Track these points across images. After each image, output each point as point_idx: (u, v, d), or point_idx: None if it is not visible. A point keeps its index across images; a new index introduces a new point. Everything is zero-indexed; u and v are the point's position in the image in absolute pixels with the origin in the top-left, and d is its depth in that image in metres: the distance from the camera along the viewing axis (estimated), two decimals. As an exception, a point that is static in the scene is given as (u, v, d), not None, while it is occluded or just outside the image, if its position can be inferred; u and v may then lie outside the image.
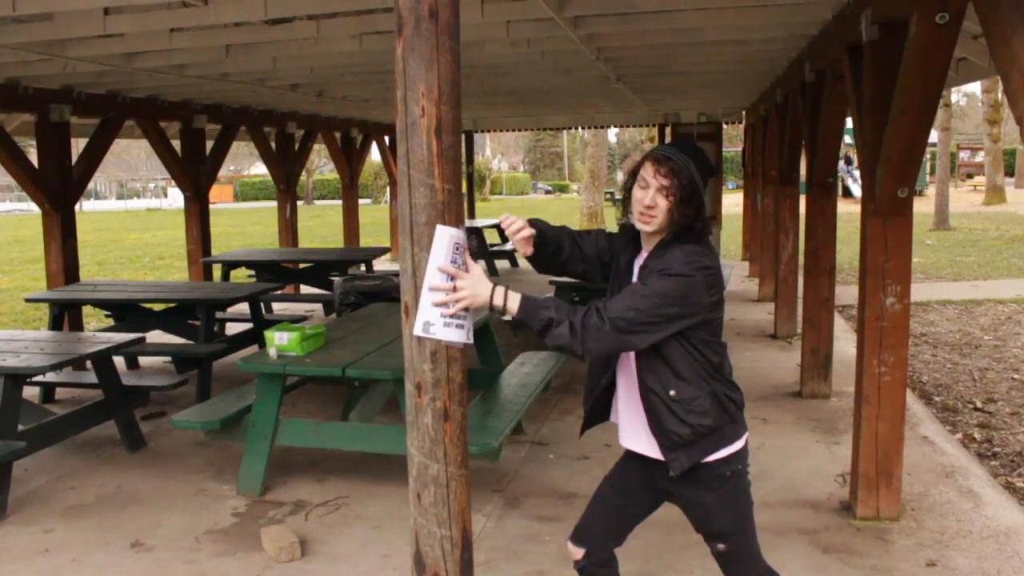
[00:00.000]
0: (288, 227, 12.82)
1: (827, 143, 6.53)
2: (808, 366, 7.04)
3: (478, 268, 2.42)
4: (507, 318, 2.58)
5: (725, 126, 15.77)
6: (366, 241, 19.53)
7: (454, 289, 2.34)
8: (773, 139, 9.92)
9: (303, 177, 43.40)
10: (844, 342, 8.60)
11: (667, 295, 2.43)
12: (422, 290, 2.37)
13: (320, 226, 28.40)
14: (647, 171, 2.54)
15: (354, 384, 5.70)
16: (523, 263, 15.74)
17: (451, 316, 2.36)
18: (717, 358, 2.56)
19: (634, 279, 2.61)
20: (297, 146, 13.00)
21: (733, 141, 36.87)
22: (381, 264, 14.24)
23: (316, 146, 17.32)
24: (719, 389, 2.56)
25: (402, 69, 2.35)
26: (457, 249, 2.35)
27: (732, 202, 23.23)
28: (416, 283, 2.42)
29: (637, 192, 2.56)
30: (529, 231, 2.60)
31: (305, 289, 11.97)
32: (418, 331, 2.38)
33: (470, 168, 17.54)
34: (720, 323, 2.59)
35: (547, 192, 52.41)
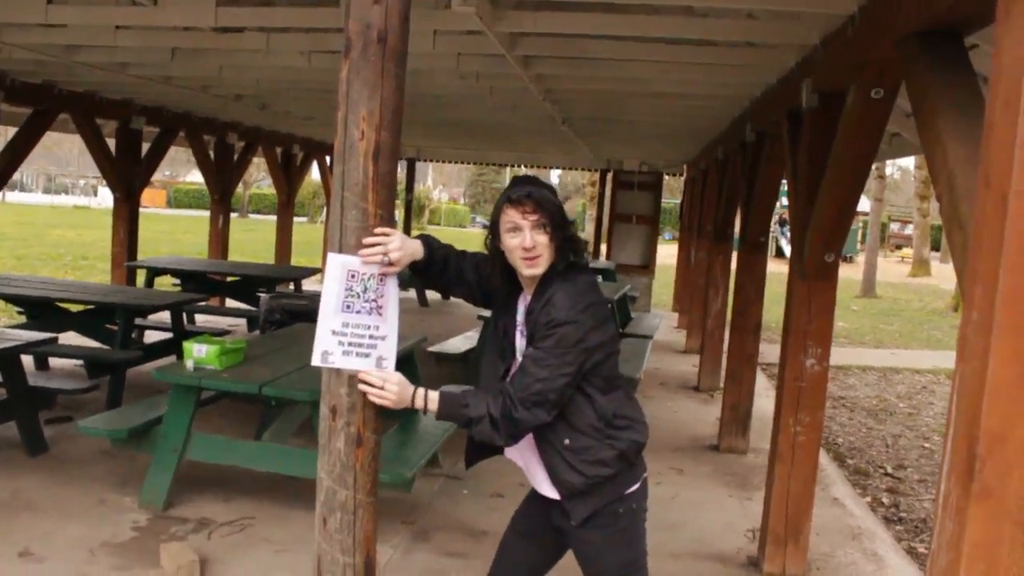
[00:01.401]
0: (219, 238, 12.53)
1: (762, 202, 6.66)
2: (727, 420, 7.11)
3: (398, 376, 2.44)
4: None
5: (666, 177, 16.27)
6: (298, 260, 18.91)
7: (381, 387, 2.43)
8: (711, 194, 10.09)
9: (239, 189, 41.08)
10: (765, 399, 8.70)
11: (562, 349, 2.39)
12: (318, 319, 2.39)
13: (253, 241, 27.55)
14: (511, 215, 2.46)
15: (271, 403, 5.59)
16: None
17: (351, 344, 2.38)
18: (613, 405, 2.54)
19: (519, 321, 2.58)
20: (236, 157, 12.76)
21: (673, 192, 37.50)
22: (311, 284, 13.49)
23: (256, 159, 16.17)
24: (617, 436, 2.53)
25: (346, 91, 2.34)
26: (353, 278, 2.35)
27: (667, 252, 23.23)
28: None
29: (510, 240, 2.47)
30: (396, 254, 2.40)
31: (231, 303, 11.61)
32: (316, 360, 2.38)
33: (409, 195, 17.44)
34: (615, 363, 2.57)
35: (484, 226, 51.44)
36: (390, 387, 2.39)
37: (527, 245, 2.46)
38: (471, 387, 2.53)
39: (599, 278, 11.56)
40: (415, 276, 2.58)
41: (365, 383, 2.39)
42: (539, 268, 2.48)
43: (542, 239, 2.46)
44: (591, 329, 2.42)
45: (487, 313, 2.88)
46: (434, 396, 2.45)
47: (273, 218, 27.06)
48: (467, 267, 2.64)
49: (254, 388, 4.60)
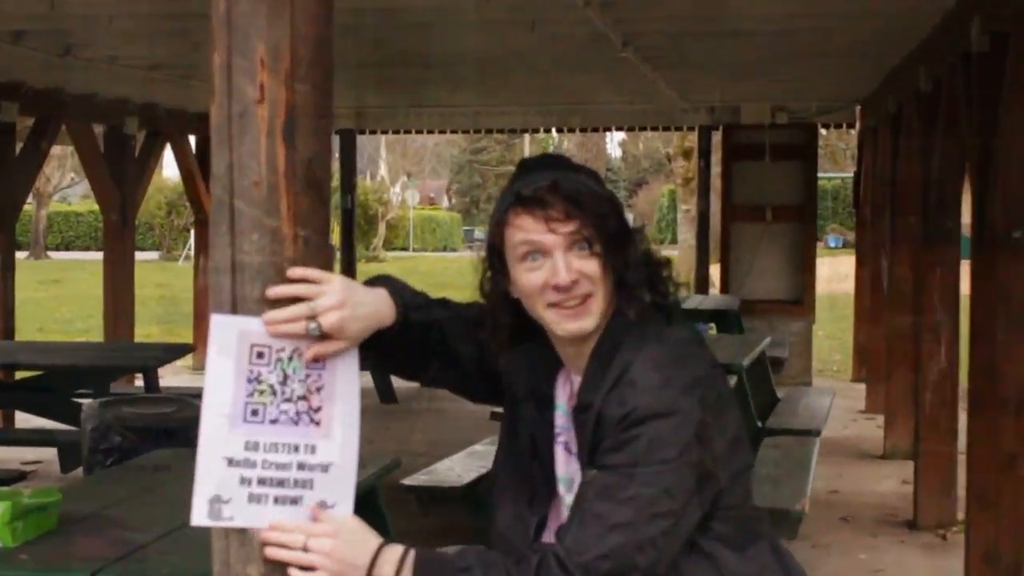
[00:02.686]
0: None
1: (1014, 165, 3.80)
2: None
3: (351, 523, 1.37)
4: None
5: (822, 132, 9.84)
6: (147, 331, 11.23)
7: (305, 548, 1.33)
8: (911, 158, 5.95)
9: (28, 205, 17.88)
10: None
11: (656, 466, 1.33)
12: (198, 441, 1.34)
13: (59, 301, 16.53)
14: (524, 228, 1.41)
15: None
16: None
17: (262, 481, 1.33)
18: (754, 571, 1.43)
19: (559, 424, 1.48)
20: (20, 148, 7.27)
21: (838, 160, 22.11)
22: (176, 376, 8.34)
23: (58, 149, 10.75)
24: None
25: (225, 14, 1.32)
26: (261, 359, 1.32)
27: (835, 271, 13.95)
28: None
29: (527, 276, 1.42)
30: (333, 316, 1.32)
31: (25, 420, 6.78)
32: (199, 517, 1.33)
33: (348, 197, 9.73)
34: (748, 489, 1.47)
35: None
36: (325, 547, 1.32)
37: (561, 281, 1.38)
38: (475, 547, 1.43)
39: (707, 329, 7.16)
40: (373, 357, 1.45)
41: (281, 545, 1.32)
42: (589, 321, 1.40)
43: (589, 266, 1.39)
44: (704, 425, 1.35)
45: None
46: (410, 560, 1.35)
47: (96, 256, 13.90)
48: (460, 334, 1.52)
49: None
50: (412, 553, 1.35)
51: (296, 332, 1.31)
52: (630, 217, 1.50)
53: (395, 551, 1.35)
